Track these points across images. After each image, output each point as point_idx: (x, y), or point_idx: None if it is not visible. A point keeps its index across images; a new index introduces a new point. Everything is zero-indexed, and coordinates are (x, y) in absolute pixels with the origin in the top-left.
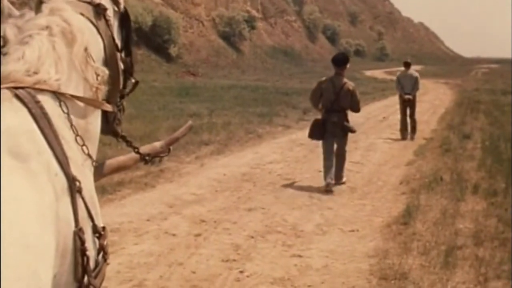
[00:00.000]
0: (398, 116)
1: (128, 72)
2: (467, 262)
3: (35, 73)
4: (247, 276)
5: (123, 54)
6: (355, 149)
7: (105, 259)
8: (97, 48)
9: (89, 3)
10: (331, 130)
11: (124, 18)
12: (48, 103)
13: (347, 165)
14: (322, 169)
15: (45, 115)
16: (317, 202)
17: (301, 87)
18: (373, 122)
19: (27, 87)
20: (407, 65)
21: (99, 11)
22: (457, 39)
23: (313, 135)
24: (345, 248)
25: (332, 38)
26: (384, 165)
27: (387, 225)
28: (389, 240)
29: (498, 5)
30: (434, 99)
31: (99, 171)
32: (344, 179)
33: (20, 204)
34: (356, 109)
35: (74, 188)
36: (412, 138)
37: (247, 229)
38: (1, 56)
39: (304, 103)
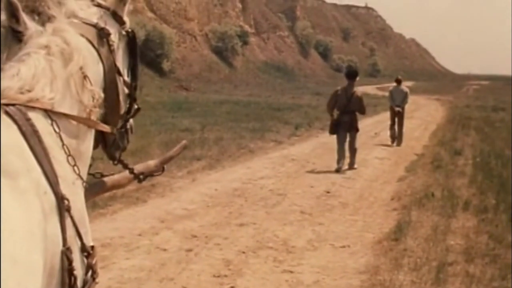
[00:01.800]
0: (389, 133)
1: (132, 97)
2: (458, 278)
3: (29, 91)
4: None
5: (128, 79)
6: (347, 164)
7: (93, 278)
8: (96, 71)
9: (93, 26)
10: (344, 127)
11: (131, 42)
12: (40, 121)
13: (338, 181)
14: (314, 183)
15: (35, 132)
16: (309, 217)
17: (293, 103)
18: (365, 138)
19: (19, 104)
20: (399, 81)
21: (102, 35)
22: (448, 55)
23: (332, 131)
24: (336, 264)
25: (325, 54)
26: (376, 181)
27: (378, 241)
28: (380, 256)
29: (489, 23)
30: (426, 115)
31: (94, 190)
32: (355, 166)
33: (8, 221)
34: (363, 112)
35: (62, 206)
36: (398, 144)
37: (238, 244)
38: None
39: (296, 118)
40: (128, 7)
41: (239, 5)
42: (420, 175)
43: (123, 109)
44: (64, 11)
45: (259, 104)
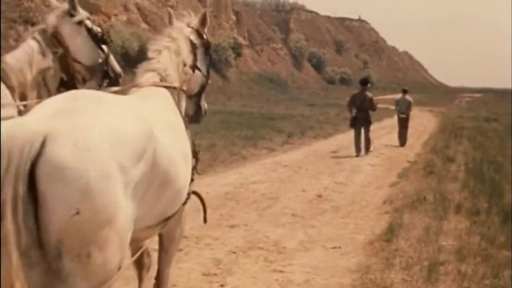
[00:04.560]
0: (381, 141)
1: (205, 83)
2: (449, 276)
3: (166, 70)
4: None
5: (204, 71)
6: (339, 170)
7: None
8: (188, 62)
9: (189, 38)
10: (360, 122)
11: (207, 49)
12: (171, 93)
13: (330, 185)
14: (306, 187)
15: (174, 99)
16: (300, 220)
17: (286, 113)
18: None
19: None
20: (405, 91)
21: (192, 44)
22: (441, 68)
23: (351, 125)
24: (327, 264)
25: (318, 66)
26: (368, 186)
27: (370, 242)
28: (372, 256)
29: (483, 36)
30: (419, 125)
31: None
32: (371, 149)
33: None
34: (373, 109)
35: (189, 134)
36: (403, 144)
37: (228, 245)
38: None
39: (289, 127)
40: (206, 29)
41: (233, 17)
42: (413, 180)
43: (195, 89)
44: (176, 28)
45: (252, 114)
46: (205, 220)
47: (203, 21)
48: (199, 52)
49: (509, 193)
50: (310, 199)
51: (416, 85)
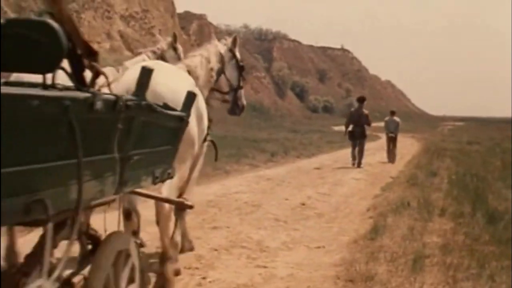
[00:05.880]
0: (365, 160)
1: (235, 88)
2: (435, 267)
3: (196, 67)
4: (210, 282)
5: (234, 80)
6: (323, 183)
7: None
8: (216, 69)
9: (220, 52)
10: (357, 136)
11: (237, 63)
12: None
13: (314, 195)
14: (289, 197)
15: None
16: (283, 224)
17: (269, 137)
18: (341, 164)
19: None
20: (393, 113)
21: (221, 56)
22: (423, 97)
23: (349, 138)
24: (311, 261)
25: (301, 95)
26: (352, 197)
27: (354, 241)
28: (356, 253)
29: (465, 65)
30: (402, 148)
31: None
32: (362, 166)
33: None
34: (369, 124)
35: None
36: (393, 162)
37: (211, 243)
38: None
39: (272, 147)
40: (237, 48)
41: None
42: (396, 190)
43: (226, 88)
44: (212, 44)
45: (235, 137)
46: (216, 159)
47: (234, 42)
48: (230, 63)
49: (493, 200)
50: (293, 206)
51: (399, 114)
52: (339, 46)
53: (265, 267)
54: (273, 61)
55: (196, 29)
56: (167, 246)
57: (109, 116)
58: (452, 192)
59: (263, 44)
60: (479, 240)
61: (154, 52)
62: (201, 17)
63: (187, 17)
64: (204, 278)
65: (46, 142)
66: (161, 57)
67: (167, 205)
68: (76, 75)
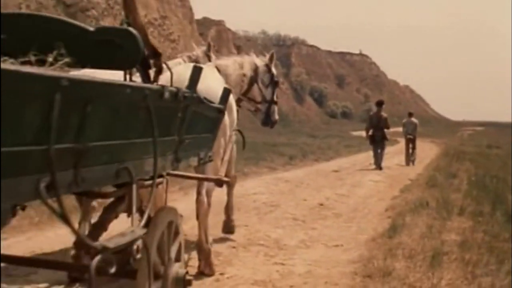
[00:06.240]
0: (383, 164)
1: (267, 100)
2: (453, 264)
3: (225, 70)
4: (227, 278)
5: (266, 90)
6: (341, 185)
7: None
8: (248, 76)
9: (255, 63)
10: (377, 139)
11: (272, 77)
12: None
13: (332, 196)
14: (308, 198)
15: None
16: (301, 223)
17: (288, 142)
18: (360, 166)
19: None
20: (410, 114)
21: (256, 68)
22: (443, 102)
23: (370, 142)
24: (329, 258)
25: (319, 100)
26: (370, 198)
27: (372, 239)
28: (374, 250)
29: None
30: (420, 152)
31: None
32: (382, 166)
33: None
34: (387, 127)
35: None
36: (413, 163)
37: (228, 241)
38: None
39: (290, 151)
40: (273, 63)
41: (235, 52)
42: (415, 192)
43: (258, 98)
44: (250, 55)
45: (255, 142)
46: (243, 147)
47: (271, 58)
48: (265, 76)
49: None
50: (312, 207)
51: (418, 118)
52: (357, 51)
53: (282, 264)
54: (291, 67)
55: (214, 35)
56: (203, 239)
57: (172, 104)
58: (472, 192)
59: (281, 49)
60: (498, 238)
61: (189, 57)
62: (219, 23)
63: (205, 23)
64: (222, 274)
65: (131, 123)
66: (196, 62)
67: (205, 203)
68: (143, 71)
